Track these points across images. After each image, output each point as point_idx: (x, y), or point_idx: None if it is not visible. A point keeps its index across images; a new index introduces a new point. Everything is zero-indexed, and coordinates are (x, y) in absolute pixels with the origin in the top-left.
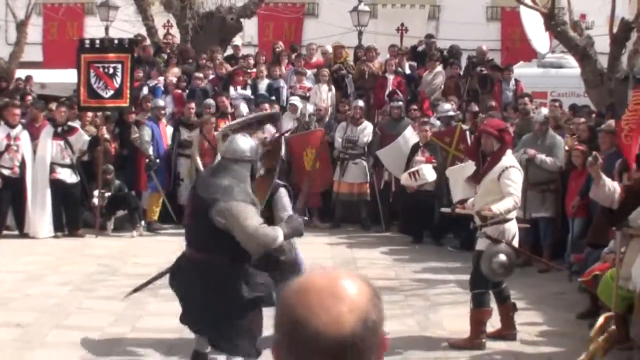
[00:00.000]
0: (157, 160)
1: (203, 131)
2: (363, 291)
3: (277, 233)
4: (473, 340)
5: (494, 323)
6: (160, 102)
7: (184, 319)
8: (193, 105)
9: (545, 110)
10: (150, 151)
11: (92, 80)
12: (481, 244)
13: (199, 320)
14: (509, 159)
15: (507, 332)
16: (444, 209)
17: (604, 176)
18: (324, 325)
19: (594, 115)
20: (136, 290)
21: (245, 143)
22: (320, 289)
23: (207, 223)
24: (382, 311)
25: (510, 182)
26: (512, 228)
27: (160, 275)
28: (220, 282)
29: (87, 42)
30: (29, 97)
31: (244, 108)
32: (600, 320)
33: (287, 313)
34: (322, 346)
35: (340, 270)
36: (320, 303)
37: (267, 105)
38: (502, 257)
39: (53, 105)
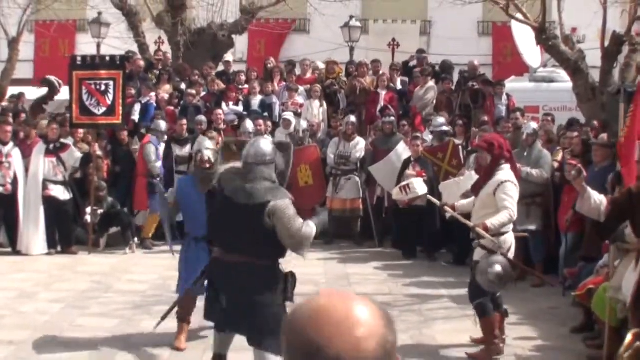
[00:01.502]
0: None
1: None
2: (378, 315)
3: (313, 230)
4: (489, 348)
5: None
6: (162, 125)
7: (223, 323)
8: (185, 121)
9: (534, 124)
10: (159, 169)
11: (84, 97)
12: (477, 255)
13: (245, 321)
14: (505, 173)
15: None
16: (430, 198)
17: (589, 189)
18: (345, 352)
19: (590, 129)
20: (165, 315)
21: (267, 145)
22: (336, 314)
23: (255, 227)
24: (396, 334)
25: (506, 197)
26: (509, 240)
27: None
28: (267, 281)
29: (79, 58)
30: (23, 115)
31: (249, 125)
32: (629, 337)
33: (302, 339)
34: None
35: (351, 294)
36: (338, 329)
37: (261, 122)
38: (498, 268)
39: (44, 123)
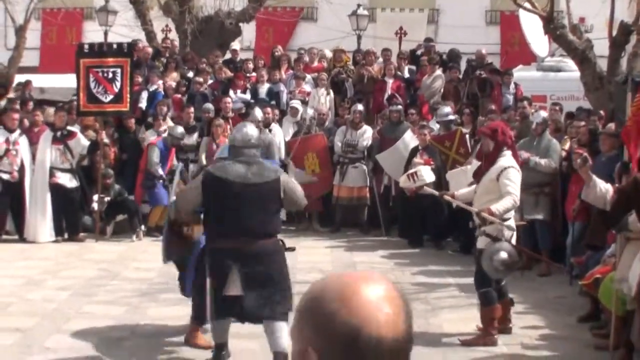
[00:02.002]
0: (158, 181)
1: (211, 134)
2: (396, 291)
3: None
4: (486, 337)
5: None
6: (179, 130)
7: (247, 315)
8: (192, 109)
9: (543, 113)
10: (160, 171)
11: (92, 85)
12: (482, 243)
13: (269, 303)
14: (508, 159)
15: (503, 325)
16: (426, 191)
17: (594, 177)
18: (384, 329)
19: (597, 118)
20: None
21: (253, 130)
22: (362, 294)
23: (271, 204)
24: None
25: (509, 182)
26: (511, 226)
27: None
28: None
29: (86, 46)
30: (30, 103)
31: (258, 113)
32: None
33: (337, 325)
34: (382, 351)
35: (362, 273)
36: (371, 309)
37: (268, 109)
38: (504, 255)
39: (51, 110)
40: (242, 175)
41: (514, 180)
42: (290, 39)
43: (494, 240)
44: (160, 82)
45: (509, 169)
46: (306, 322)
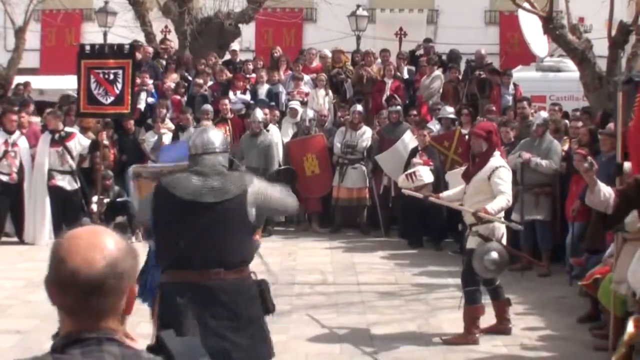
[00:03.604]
0: None
1: None
2: (119, 246)
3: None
4: (467, 336)
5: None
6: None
7: None
8: (191, 111)
9: (544, 114)
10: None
11: (92, 86)
12: (472, 243)
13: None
14: (498, 159)
15: (502, 326)
16: (407, 192)
17: (599, 182)
18: (78, 266)
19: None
20: None
21: (216, 135)
22: (82, 237)
23: (241, 229)
24: (134, 267)
25: (501, 181)
26: (501, 227)
27: None
28: (255, 296)
29: (87, 47)
30: (32, 106)
31: (259, 114)
32: (630, 325)
33: (53, 252)
34: (76, 282)
35: (106, 229)
36: (79, 249)
37: (267, 111)
38: (494, 255)
39: (48, 111)
40: (194, 191)
41: (505, 179)
42: (297, 40)
43: (485, 240)
44: (150, 81)
45: (500, 169)
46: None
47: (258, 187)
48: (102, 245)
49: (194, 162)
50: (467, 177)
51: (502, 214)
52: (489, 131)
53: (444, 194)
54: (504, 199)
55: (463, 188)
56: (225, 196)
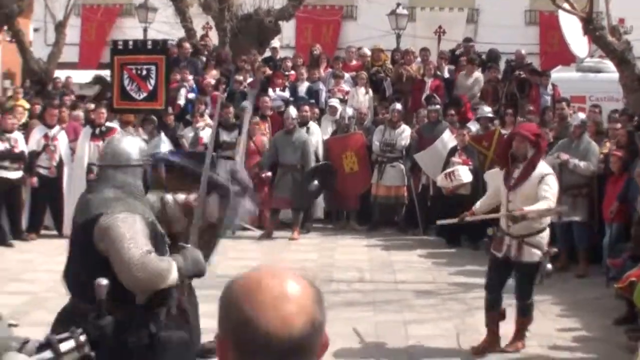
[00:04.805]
0: None
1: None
2: (309, 292)
3: (170, 266)
4: (518, 343)
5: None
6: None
7: None
8: (231, 107)
9: (582, 115)
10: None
11: (125, 82)
12: (529, 255)
13: None
14: (546, 166)
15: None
16: (441, 222)
17: None
18: (274, 326)
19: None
20: None
21: (131, 145)
22: (268, 288)
23: (90, 260)
24: (325, 312)
25: (548, 188)
26: (547, 235)
27: None
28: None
29: (120, 43)
30: (68, 98)
31: (292, 111)
32: None
33: (235, 312)
34: (272, 346)
35: (285, 270)
36: (269, 303)
37: (307, 108)
38: (550, 266)
39: (91, 106)
40: (77, 206)
41: (552, 187)
42: (336, 38)
43: (543, 253)
44: (190, 77)
45: (550, 176)
46: (219, 310)
47: (108, 225)
48: (295, 294)
49: (98, 175)
50: (511, 184)
51: (547, 221)
52: (537, 134)
53: (477, 206)
54: (545, 204)
55: (494, 191)
56: (84, 216)
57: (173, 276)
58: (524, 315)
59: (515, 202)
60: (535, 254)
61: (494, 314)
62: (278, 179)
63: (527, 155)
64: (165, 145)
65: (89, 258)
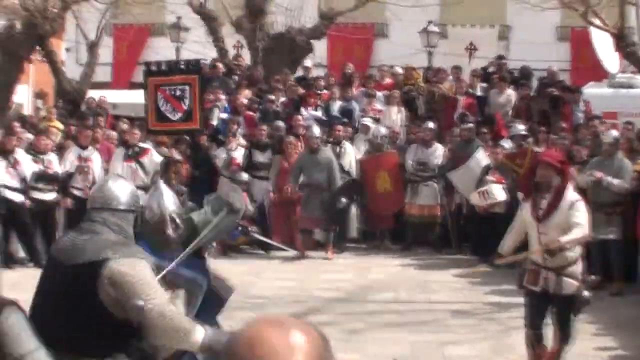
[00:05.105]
0: None
1: (283, 152)
2: (315, 340)
3: (195, 329)
4: None
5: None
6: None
7: None
8: (265, 127)
9: (615, 133)
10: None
11: (160, 103)
12: (568, 287)
13: None
14: (573, 193)
15: None
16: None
17: None
18: None
19: None
20: None
21: (121, 189)
22: (273, 342)
23: (86, 310)
24: (334, 356)
25: (579, 214)
26: (580, 265)
27: None
28: None
29: (154, 65)
30: (101, 119)
31: (316, 130)
32: None
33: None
34: None
35: (288, 320)
36: (276, 357)
37: (340, 127)
38: (587, 293)
39: (125, 126)
40: (61, 247)
41: (583, 211)
42: (368, 56)
43: (580, 282)
44: (223, 96)
45: (579, 203)
46: None
47: (123, 270)
48: (301, 345)
49: (87, 217)
50: (540, 216)
51: (579, 249)
52: (562, 161)
53: (503, 245)
54: (580, 231)
55: (520, 224)
56: (75, 259)
57: (196, 340)
58: (566, 342)
59: (548, 233)
60: (572, 285)
61: (537, 352)
62: (305, 199)
63: (551, 184)
64: (168, 197)
65: (83, 306)
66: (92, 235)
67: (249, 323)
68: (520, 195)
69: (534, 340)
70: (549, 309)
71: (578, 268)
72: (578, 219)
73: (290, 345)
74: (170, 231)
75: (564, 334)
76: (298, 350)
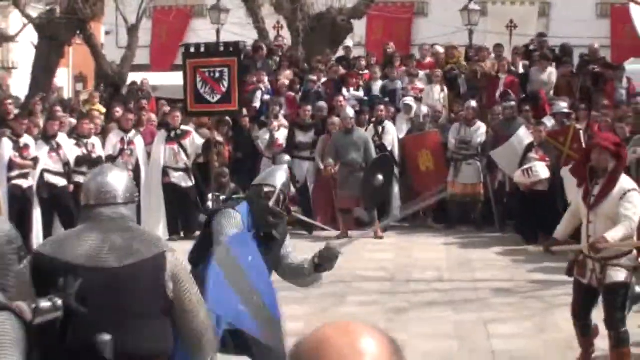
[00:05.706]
0: None
1: (327, 132)
2: (383, 345)
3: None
4: None
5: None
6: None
7: None
8: (309, 107)
9: None
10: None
11: (199, 85)
12: (614, 276)
13: None
14: (629, 180)
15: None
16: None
17: None
18: None
19: None
20: None
21: (117, 179)
22: (340, 346)
23: (155, 303)
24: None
25: (631, 206)
26: (634, 256)
27: None
28: None
29: (192, 47)
30: (144, 102)
31: (350, 111)
32: None
33: None
34: None
35: (359, 325)
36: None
37: (382, 107)
38: (639, 289)
39: (166, 109)
40: (92, 253)
41: (637, 204)
42: (408, 35)
43: (633, 270)
44: (265, 78)
45: (633, 192)
46: None
47: (179, 262)
48: (369, 350)
49: (87, 216)
50: (591, 203)
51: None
52: (617, 144)
53: (560, 231)
54: (628, 225)
55: (575, 208)
56: (134, 257)
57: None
58: (621, 346)
59: (596, 223)
60: (620, 274)
61: (586, 339)
62: (342, 179)
63: (607, 168)
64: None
65: (153, 300)
66: (129, 232)
67: (317, 328)
68: (563, 171)
69: (578, 332)
70: (598, 302)
71: (629, 261)
72: (628, 211)
73: (358, 350)
74: None
75: (614, 335)
76: (367, 356)
